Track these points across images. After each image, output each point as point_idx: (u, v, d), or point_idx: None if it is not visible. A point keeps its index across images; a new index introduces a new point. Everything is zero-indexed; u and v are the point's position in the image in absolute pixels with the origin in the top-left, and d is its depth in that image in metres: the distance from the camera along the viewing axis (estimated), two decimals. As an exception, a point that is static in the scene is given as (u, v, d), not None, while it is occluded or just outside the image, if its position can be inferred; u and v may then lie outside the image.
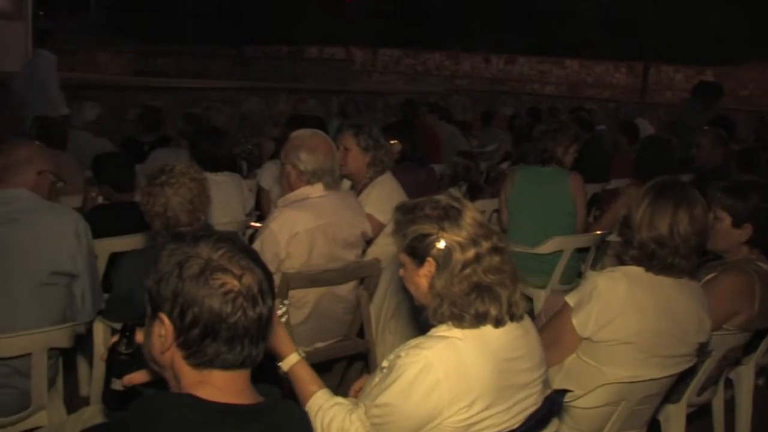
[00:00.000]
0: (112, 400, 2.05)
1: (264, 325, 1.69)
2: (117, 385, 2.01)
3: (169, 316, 1.65)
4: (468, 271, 2.21)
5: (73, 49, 21.87)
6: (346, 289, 3.92)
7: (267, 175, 5.51)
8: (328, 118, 9.04)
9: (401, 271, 2.37)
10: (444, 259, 2.22)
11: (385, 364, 2.26)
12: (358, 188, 4.61)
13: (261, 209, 5.62)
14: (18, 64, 16.19)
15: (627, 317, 2.78)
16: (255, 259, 1.71)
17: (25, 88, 8.93)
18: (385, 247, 4.33)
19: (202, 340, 1.63)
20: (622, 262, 2.96)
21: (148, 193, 3.16)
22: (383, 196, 4.50)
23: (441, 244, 2.22)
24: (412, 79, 23.00)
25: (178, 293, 1.64)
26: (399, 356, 2.19)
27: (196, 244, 1.68)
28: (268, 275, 1.71)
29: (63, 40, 22.30)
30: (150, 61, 20.37)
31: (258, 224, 5.33)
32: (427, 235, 2.25)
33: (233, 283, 1.63)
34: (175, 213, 3.13)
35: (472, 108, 16.12)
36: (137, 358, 1.96)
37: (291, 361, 2.32)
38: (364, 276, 4.02)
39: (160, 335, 1.67)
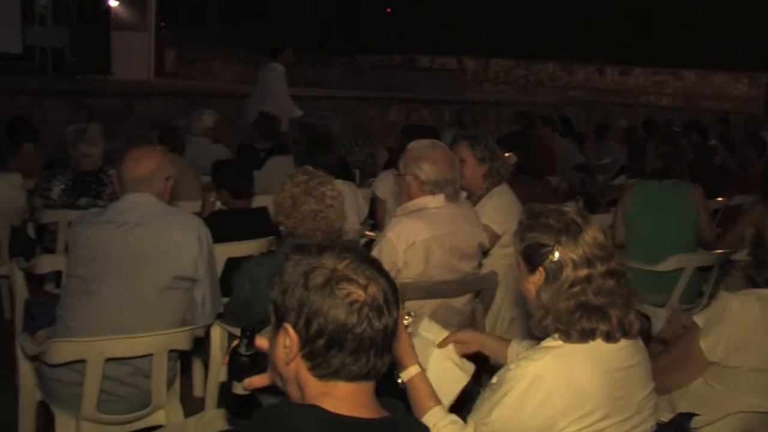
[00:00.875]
0: (233, 404, 2.07)
1: (389, 337, 1.67)
2: (238, 389, 2.02)
3: (294, 327, 1.65)
4: (576, 289, 2.17)
5: (191, 59, 22.56)
6: (461, 302, 3.87)
7: (382, 184, 5.52)
8: (441, 128, 9.02)
9: (518, 271, 2.36)
10: (554, 272, 2.20)
11: (494, 380, 2.24)
12: (473, 200, 4.57)
13: (376, 218, 5.64)
14: (143, 72, 16.83)
15: (761, 343, 2.64)
16: (379, 269, 1.70)
17: (258, 98, 9.70)
18: (500, 259, 4.31)
19: (327, 350, 1.63)
20: (753, 284, 2.82)
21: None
22: (499, 208, 4.48)
23: (554, 257, 2.20)
24: (524, 90, 22.78)
25: (303, 303, 1.63)
26: (509, 369, 2.17)
27: (321, 255, 1.68)
28: (393, 285, 1.70)
29: (182, 49, 23.14)
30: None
31: (372, 233, 5.36)
32: (542, 245, 2.22)
33: (359, 293, 1.62)
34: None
35: (585, 119, 15.84)
36: (257, 361, 1.98)
37: (411, 372, 2.31)
38: (481, 288, 3.98)
39: (285, 346, 1.67)
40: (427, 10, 27.33)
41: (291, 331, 1.65)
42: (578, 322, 2.16)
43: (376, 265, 1.70)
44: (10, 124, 6.58)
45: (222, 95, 12.98)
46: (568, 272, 2.18)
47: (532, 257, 2.26)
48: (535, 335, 2.32)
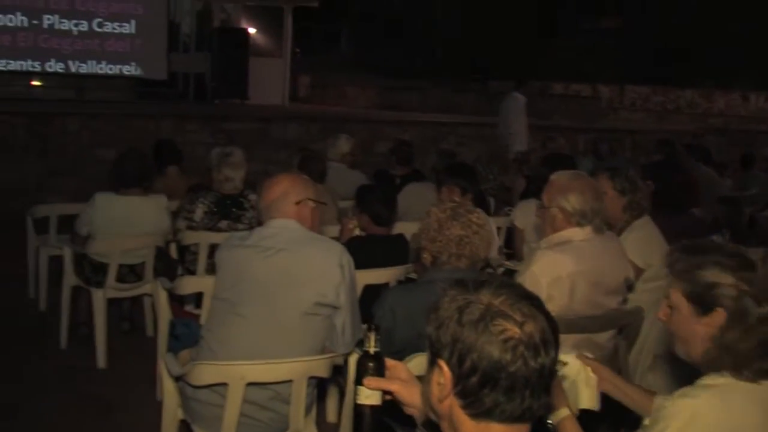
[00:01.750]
0: (357, 416, 1.99)
1: (546, 377, 1.60)
2: (362, 396, 1.96)
3: (448, 363, 1.61)
4: (763, 328, 2.06)
5: (325, 84, 22.99)
6: (604, 337, 3.73)
7: (522, 214, 5.40)
8: (577, 156, 8.84)
9: (664, 312, 2.25)
10: (739, 313, 2.08)
11: (646, 422, 2.15)
12: (614, 232, 4.42)
13: (513, 248, 5.53)
14: (278, 97, 17.26)
15: None
16: (539, 306, 1.64)
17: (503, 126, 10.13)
18: (643, 294, 4.15)
19: (480, 388, 1.57)
20: None
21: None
22: (642, 241, 4.32)
23: (737, 297, 2.09)
24: (661, 117, 22.12)
25: (456, 339, 1.59)
26: (664, 407, 2.08)
27: (478, 290, 1.63)
28: (552, 324, 1.63)
29: (316, 75, 23.63)
30: (396, 95, 20.97)
31: (509, 263, 5.26)
32: (718, 284, 2.11)
33: (514, 331, 1.57)
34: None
35: (727, 148, 15.22)
36: (382, 361, 1.97)
37: (561, 414, 2.24)
38: (625, 324, 3.82)
39: (439, 383, 1.63)
40: (560, 37, 27.04)
41: (445, 367, 1.61)
42: (757, 360, 2.06)
43: (535, 303, 1.64)
44: (156, 148, 6.82)
45: (356, 120, 13.14)
46: (754, 310, 2.07)
47: (705, 297, 2.14)
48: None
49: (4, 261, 7.46)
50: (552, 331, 1.62)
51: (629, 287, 3.97)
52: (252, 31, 17.74)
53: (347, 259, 3.32)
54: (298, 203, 3.30)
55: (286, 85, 18.15)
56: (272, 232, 3.25)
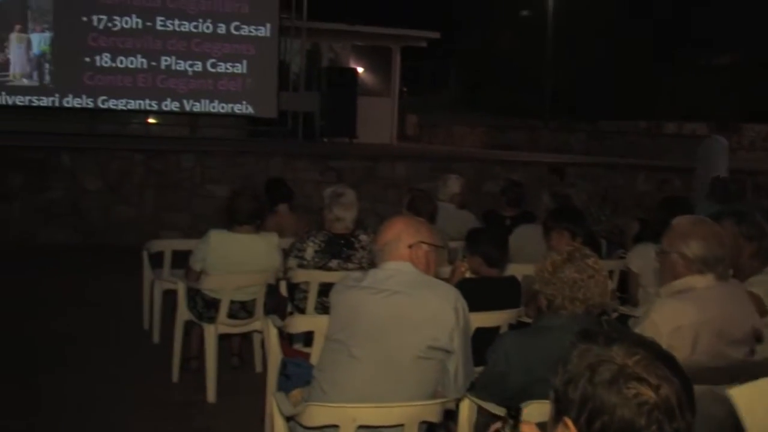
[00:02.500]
0: None
1: None
2: None
3: (575, 422, 1.56)
4: None
5: (432, 123, 23.09)
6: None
7: (638, 258, 5.23)
8: (694, 199, 8.54)
9: None
10: None
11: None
12: (740, 280, 4.21)
13: (628, 292, 5.36)
14: (386, 136, 17.40)
15: None
16: (673, 367, 1.58)
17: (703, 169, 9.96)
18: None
19: None
20: None
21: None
22: (772, 289, 4.09)
23: None
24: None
25: (587, 398, 1.54)
26: None
27: (610, 346, 1.58)
28: (687, 387, 1.56)
29: (424, 114, 23.77)
30: (504, 134, 20.88)
31: (623, 308, 5.10)
32: None
33: (649, 394, 1.51)
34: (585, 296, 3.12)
35: None
36: None
37: None
38: (753, 377, 3.61)
39: None
40: (672, 75, 26.46)
41: (571, 426, 1.56)
42: None
43: (669, 363, 1.59)
44: (267, 186, 6.92)
45: (463, 159, 13.10)
46: None
47: None
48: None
49: (120, 293, 7.70)
50: (687, 393, 1.56)
51: (758, 338, 3.77)
52: (360, 70, 17.99)
53: (462, 303, 3.26)
54: (411, 246, 3.27)
55: (394, 124, 18.33)
56: (386, 274, 3.23)
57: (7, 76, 15.40)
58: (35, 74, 15.50)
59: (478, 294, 4.24)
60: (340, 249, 5.25)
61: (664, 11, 27.92)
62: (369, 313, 3.17)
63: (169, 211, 11.09)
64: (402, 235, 3.28)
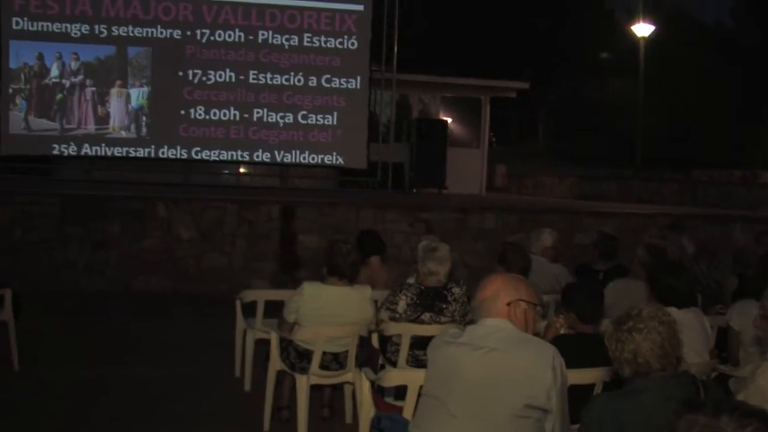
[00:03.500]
0: None
1: None
2: None
3: None
4: None
5: (521, 173, 22.96)
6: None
7: (738, 315, 5.08)
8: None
9: None
10: None
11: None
12: None
13: (728, 351, 5.19)
14: (476, 187, 17.40)
15: None
16: None
17: None
18: None
19: None
20: None
21: (615, 339, 3.07)
22: None
23: None
24: None
25: None
26: None
27: (718, 417, 1.52)
28: None
29: (513, 164, 23.69)
30: (593, 184, 20.61)
31: (723, 367, 4.94)
32: None
33: None
34: (645, 359, 2.99)
35: None
36: None
37: None
38: None
39: None
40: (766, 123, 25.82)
41: None
42: None
43: None
44: (360, 238, 6.96)
45: (553, 211, 12.95)
46: None
47: None
48: None
49: (211, 340, 7.83)
50: None
51: None
52: (449, 120, 18.08)
53: (559, 361, 3.21)
54: (510, 304, 3.24)
55: (483, 175, 18.30)
56: (485, 331, 3.21)
57: (107, 128, 16.02)
58: (133, 127, 16.08)
59: (573, 351, 4.17)
60: (433, 302, 5.24)
61: (758, 57, 27.34)
62: (467, 371, 3.15)
63: (260, 260, 11.26)
64: (501, 292, 3.26)
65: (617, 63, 28.21)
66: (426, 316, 5.23)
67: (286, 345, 5.53)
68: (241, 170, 17.86)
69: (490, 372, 3.13)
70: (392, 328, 5.27)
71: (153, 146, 15.98)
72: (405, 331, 5.19)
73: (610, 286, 6.02)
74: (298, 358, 5.45)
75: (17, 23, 15.77)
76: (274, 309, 6.54)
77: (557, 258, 7.10)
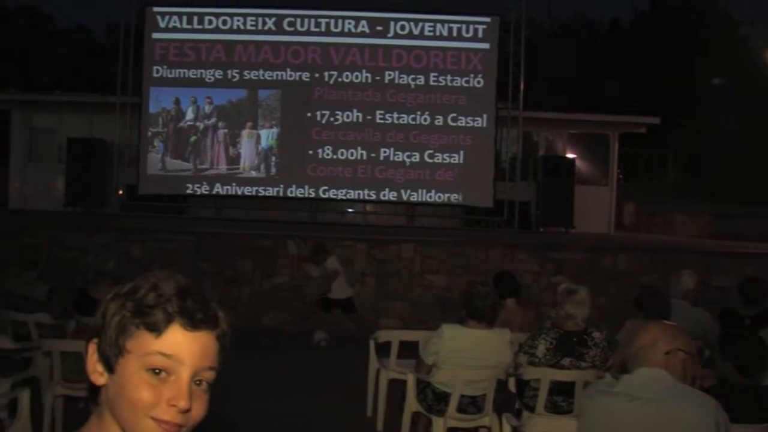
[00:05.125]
0: None
1: None
2: None
3: None
4: None
5: (651, 211, 22.33)
6: None
7: None
8: None
9: None
10: None
11: None
12: None
13: None
14: (604, 225, 17.04)
15: None
16: None
17: None
18: None
19: None
20: None
21: None
22: None
23: None
24: None
25: None
26: None
27: None
28: None
29: (641, 202, 23.06)
30: (730, 222, 19.83)
31: None
32: None
33: None
34: None
35: None
36: None
37: None
38: None
39: None
40: None
41: None
42: None
43: None
44: (496, 279, 6.88)
45: (688, 251, 12.49)
46: None
47: None
48: None
49: (340, 377, 7.89)
50: None
51: None
52: (575, 157, 17.82)
53: (722, 415, 3.06)
54: (668, 353, 3.12)
55: (612, 213, 17.91)
56: (641, 381, 3.09)
57: (238, 168, 16.55)
58: (263, 166, 16.56)
59: (728, 403, 3.99)
60: (573, 347, 5.12)
61: None
62: (622, 421, 3.04)
63: (389, 299, 11.31)
64: (659, 340, 3.14)
65: (752, 93, 27.18)
66: (566, 361, 5.10)
67: (423, 387, 5.51)
68: (368, 209, 18.07)
69: (649, 424, 3.00)
70: (531, 373, 5.17)
71: (281, 185, 16.40)
72: (544, 376, 5.08)
73: (762, 334, 5.74)
74: (435, 400, 5.41)
75: (157, 71, 16.57)
76: (407, 349, 6.57)
77: (698, 302, 6.82)
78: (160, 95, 16.64)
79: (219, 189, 16.58)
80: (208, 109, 16.64)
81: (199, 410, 1.53)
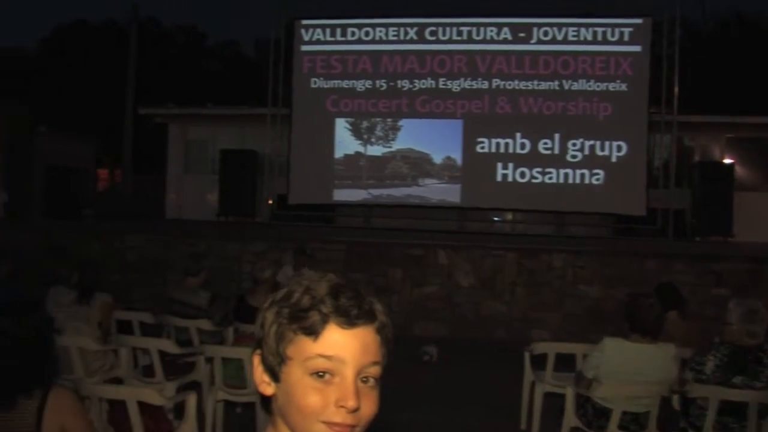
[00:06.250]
0: None
1: None
2: None
3: None
4: None
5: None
6: None
7: None
8: None
9: None
10: None
11: None
12: None
13: None
14: (766, 233, 16.19)
15: None
16: None
17: None
18: None
19: None
20: None
21: None
22: None
23: None
24: None
25: None
26: None
27: None
28: None
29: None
30: None
31: None
32: None
33: None
34: None
35: None
36: None
37: None
38: None
39: None
40: None
41: None
42: None
43: None
44: (658, 291, 6.61)
45: None
46: None
47: None
48: None
49: (489, 388, 7.80)
50: None
51: None
52: (733, 162, 17.05)
53: None
54: None
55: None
56: None
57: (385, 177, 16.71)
58: (410, 177, 16.65)
59: None
60: (746, 364, 4.84)
61: None
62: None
63: (539, 310, 11.11)
64: None
65: None
66: (738, 379, 4.83)
67: (583, 401, 5.35)
68: (509, 217, 17.89)
69: None
70: (698, 391, 4.93)
71: (428, 194, 16.43)
72: (713, 395, 4.83)
73: None
74: (595, 415, 5.24)
75: (306, 82, 16.96)
76: (560, 362, 6.42)
77: None
78: (308, 106, 16.98)
79: (367, 196, 16.77)
80: (358, 121, 16.85)
81: (369, 408, 1.51)
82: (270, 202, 17.94)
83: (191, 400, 4.98)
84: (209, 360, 6.32)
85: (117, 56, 32.53)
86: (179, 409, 5.15)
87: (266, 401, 1.59)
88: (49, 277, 8.06)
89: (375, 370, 1.53)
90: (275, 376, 1.54)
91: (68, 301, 6.63)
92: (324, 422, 1.47)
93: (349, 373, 1.49)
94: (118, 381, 6.26)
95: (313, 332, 1.49)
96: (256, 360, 1.58)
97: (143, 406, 4.63)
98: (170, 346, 6.38)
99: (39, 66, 42.50)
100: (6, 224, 16.53)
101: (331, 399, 1.47)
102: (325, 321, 1.49)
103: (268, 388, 1.56)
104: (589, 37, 16.14)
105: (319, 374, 1.48)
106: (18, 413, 3.16)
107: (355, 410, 1.47)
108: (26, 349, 3.23)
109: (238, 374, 6.16)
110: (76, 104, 38.45)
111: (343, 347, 1.49)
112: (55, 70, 41.41)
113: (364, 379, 1.51)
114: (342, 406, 1.46)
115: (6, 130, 23.33)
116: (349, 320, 1.50)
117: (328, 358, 1.48)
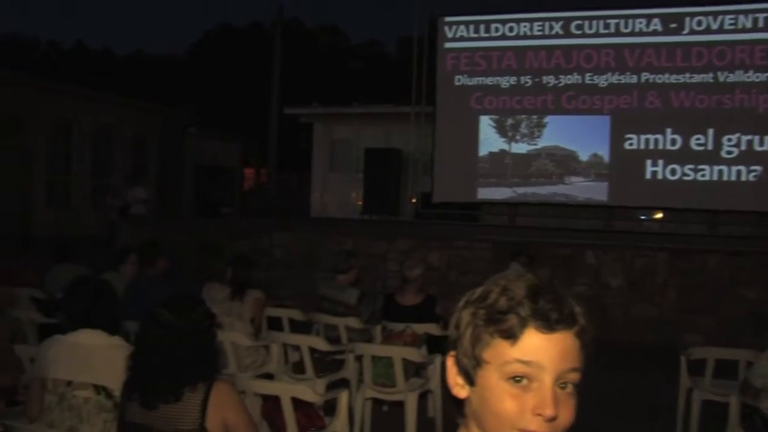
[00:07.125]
0: None
1: None
2: None
3: None
4: None
5: None
6: None
7: None
8: None
9: None
10: None
11: None
12: None
13: None
14: None
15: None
16: None
17: None
18: None
19: None
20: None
21: None
22: None
23: None
24: None
25: None
26: None
27: None
28: None
29: None
30: None
31: None
32: None
33: None
34: None
35: None
36: None
37: None
38: None
39: None
40: None
41: None
42: None
43: None
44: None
45: None
46: None
47: None
48: None
49: (645, 395, 7.61)
50: None
51: None
52: None
53: None
54: None
55: None
56: None
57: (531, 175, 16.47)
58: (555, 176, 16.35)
59: None
60: None
61: None
62: None
63: (692, 313, 10.69)
64: None
65: None
66: None
67: (749, 412, 5.09)
68: (658, 215, 17.28)
69: None
70: None
71: (575, 192, 16.07)
72: None
73: None
74: (764, 427, 4.98)
75: (450, 80, 16.90)
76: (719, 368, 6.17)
77: None
78: (452, 104, 16.91)
79: (512, 195, 16.55)
80: (503, 118, 16.67)
81: (566, 416, 1.45)
82: (414, 200, 17.99)
83: (343, 397, 5.03)
84: (358, 358, 6.37)
85: (262, 58, 33.49)
86: (328, 407, 5.22)
87: (459, 404, 1.56)
88: (203, 273, 8.36)
89: (574, 377, 1.48)
90: (470, 380, 1.50)
91: (222, 297, 6.83)
92: (520, 430, 1.43)
93: (547, 379, 1.43)
94: (268, 376, 6.40)
95: (512, 336, 1.44)
96: (450, 362, 1.55)
97: (296, 402, 4.70)
98: (321, 343, 6.46)
99: (188, 70, 44.28)
100: (160, 222, 17.24)
101: (528, 406, 1.42)
102: (523, 325, 1.44)
103: (461, 390, 1.53)
104: (749, 25, 15.33)
105: (516, 379, 1.44)
106: (183, 406, 3.25)
107: (553, 419, 1.42)
108: (192, 343, 3.32)
109: (386, 372, 6.18)
110: (224, 105, 39.83)
111: (542, 352, 1.44)
112: (203, 74, 43.05)
113: (563, 385, 1.46)
114: (539, 414, 1.42)
115: (159, 131, 24.39)
116: (548, 324, 1.45)
117: (526, 363, 1.43)
